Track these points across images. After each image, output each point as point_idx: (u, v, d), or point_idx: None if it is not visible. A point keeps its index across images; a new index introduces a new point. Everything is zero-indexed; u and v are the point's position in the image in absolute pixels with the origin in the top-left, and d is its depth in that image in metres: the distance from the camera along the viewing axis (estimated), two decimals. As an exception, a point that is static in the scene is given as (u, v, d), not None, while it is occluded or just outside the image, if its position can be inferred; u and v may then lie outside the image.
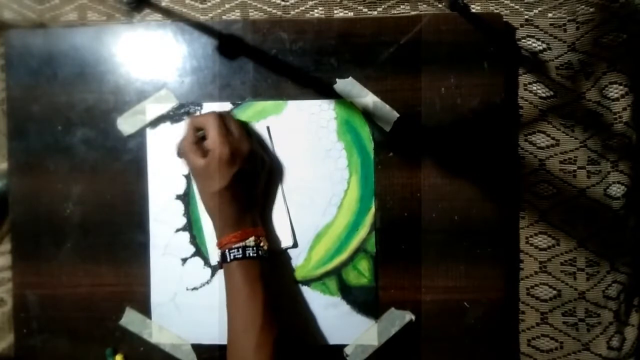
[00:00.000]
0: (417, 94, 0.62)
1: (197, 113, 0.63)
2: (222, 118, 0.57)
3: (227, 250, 0.55)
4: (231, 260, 0.55)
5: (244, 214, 0.57)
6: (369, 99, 0.62)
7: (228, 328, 0.55)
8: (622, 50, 0.61)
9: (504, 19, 0.62)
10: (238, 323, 0.54)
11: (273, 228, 0.62)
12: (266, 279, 0.55)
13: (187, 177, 0.63)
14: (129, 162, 0.64)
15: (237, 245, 0.55)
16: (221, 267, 0.57)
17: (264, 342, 0.52)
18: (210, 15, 0.66)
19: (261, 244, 0.56)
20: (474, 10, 0.63)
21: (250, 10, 0.65)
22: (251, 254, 0.55)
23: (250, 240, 0.55)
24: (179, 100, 0.63)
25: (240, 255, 0.55)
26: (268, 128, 0.63)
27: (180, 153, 0.59)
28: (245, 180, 0.56)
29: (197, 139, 0.57)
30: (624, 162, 0.62)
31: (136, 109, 0.64)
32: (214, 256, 0.62)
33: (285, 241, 0.62)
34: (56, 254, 0.64)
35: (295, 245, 0.62)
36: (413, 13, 0.64)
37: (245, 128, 0.61)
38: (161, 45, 0.64)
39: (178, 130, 0.63)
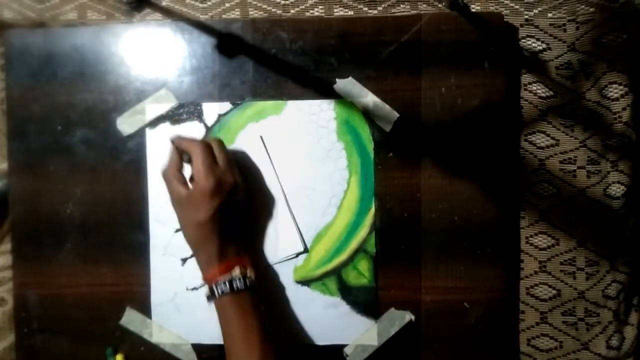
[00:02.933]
0: (417, 94, 0.62)
1: (197, 112, 0.63)
2: (209, 147, 0.56)
3: (214, 285, 0.54)
4: (220, 295, 0.54)
5: (227, 246, 0.55)
6: (369, 99, 0.62)
7: None
8: (622, 50, 0.61)
9: (504, 19, 0.62)
10: (236, 356, 0.53)
11: (277, 238, 0.62)
12: (258, 308, 0.54)
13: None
14: (129, 162, 0.64)
15: (223, 279, 0.54)
16: (209, 301, 0.56)
17: None
18: (210, 14, 0.66)
19: (248, 274, 0.55)
20: (474, 10, 0.63)
21: (250, 9, 0.65)
22: (239, 286, 0.54)
23: (236, 272, 0.54)
24: (179, 100, 0.63)
25: (228, 289, 0.53)
26: (262, 137, 0.62)
27: (165, 178, 0.57)
28: (229, 212, 0.55)
29: (181, 166, 0.57)
30: (624, 162, 0.62)
31: (136, 109, 0.64)
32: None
33: (296, 247, 0.62)
34: (56, 253, 0.64)
35: (306, 250, 0.62)
36: (413, 12, 0.64)
37: (232, 157, 0.60)
38: (161, 44, 0.64)
39: (178, 130, 0.63)
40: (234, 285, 0.53)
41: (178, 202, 0.56)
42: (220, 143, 0.58)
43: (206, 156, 0.55)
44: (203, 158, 0.54)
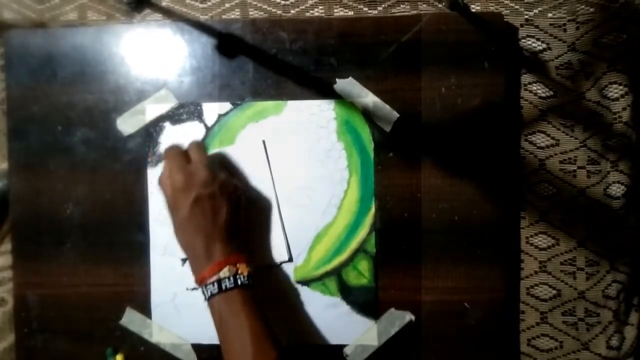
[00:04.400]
0: (417, 94, 0.62)
1: (197, 113, 0.63)
2: (178, 150, 0.57)
3: (204, 287, 0.53)
4: (209, 297, 0.53)
5: (213, 245, 0.54)
6: (369, 99, 0.62)
7: None
8: (622, 50, 0.61)
9: (504, 19, 0.62)
10: (230, 357, 0.52)
11: (268, 242, 0.62)
12: (252, 306, 0.53)
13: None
14: (129, 162, 0.64)
15: (212, 280, 0.53)
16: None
17: None
18: (210, 14, 0.66)
19: (239, 272, 0.53)
20: (474, 10, 0.63)
21: (250, 10, 0.65)
22: (228, 286, 0.52)
23: (225, 271, 0.53)
24: (179, 100, 0.63)
25: (217, 290, 0.52)
26: (264, 142, 0.63)
27: (160, 186, 0.58)
28: (208, 207, 0.54)
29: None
30: (624, 162, 0.62)
31: (136, 109, 0.64)
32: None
33: (281, 256, 0.62)
34: (56, 254, 0.64)
35: (290, 259, 0.62)
36: (413, 12, 0.64)
37: (219, 158, 0.61)
38: (161, 45, 0.64)
39: (178, 130, 0.63)
40: (223, 286, 0.52)
41: (167, 208, 0.57)
42: (195, 145, 0.59)
43: (173, 159, 0.56)
44: (169, 161, 0.57)
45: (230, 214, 0.56)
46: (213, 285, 0.53)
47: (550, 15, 0.62)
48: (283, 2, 0.65)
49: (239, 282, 0.53)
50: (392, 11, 0.64)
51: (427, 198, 0.61)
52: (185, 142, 0.60)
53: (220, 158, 0.63)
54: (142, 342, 0.64)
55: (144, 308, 0.64)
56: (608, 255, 0.63)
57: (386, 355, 0.62)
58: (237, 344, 0.52)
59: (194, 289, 0.63)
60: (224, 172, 0.58)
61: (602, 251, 0.63)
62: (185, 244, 0.56)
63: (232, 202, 0.56)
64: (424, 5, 0.64)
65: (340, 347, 0.62)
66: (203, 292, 0.54)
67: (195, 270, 0.55)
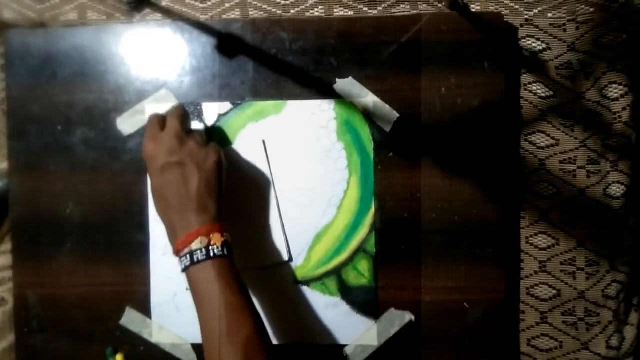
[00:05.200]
0: (417, 94, 0.62)
1: (197, 112, 0.63)
2: (154, 118, 0.57)
3: (179, 260, 0.52)
4: (183, 270, 0.52)
5: (185, 215, 0.53)
6: (369, 99, 0.62)
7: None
8: (622, 50, 0.61)
9: (504, 19, 0.62)
10: (203, 332, 0.51)
11: (268, 242, 0.62)
12: (227, 278, 0.51)
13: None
14: (129, 162, 0.64)
15: (184, 252, 0.51)
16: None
17: (229, 350, 0.49)
18: (210, 14, 0.66)
19: (211, 243, 0.52)
20: (474, 10, 0.63)
21: (250, 10, 0.65)
22: (200, 258, 0.51)
23: (197, 243, 0.51)
24: (179, 100, 0.63)
25: (189, 262, 0.51)
26: (264, 142, 0.63)
27: None
28: (177, 175, 0.53)
29: None
30: (624, 162, 0.62)
31: (136, 109, 0.64)
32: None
33: (281, 256, 0.62)
34: (56, 253, 0.64)
35: (290, 259, 0.62)
36: (413, 12, 0.64)
37: (207, 131, 0.60)
38: (161, 45, 0.64)
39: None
40: (195, 258, 0.51)
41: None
42: (172, 112, 0.57)
43: (148, 127, 0.56)
44: (146, 129, 0.56)
45: (202, 183, 0.53)
46: (186, 257, 0.51)
47: (550, 15, 0.62)
48: (283, 2, 0.65)
49: (212, 253, 0.51)
50: (392, 11, 0.64)
51: (427, 198, 0.61)
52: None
53: (203, 131, 0.61)
54: (142, 342, 0.64)
55: (144, 308, 0.64)
56: (608, 255, 0.63)
57: (386, 355, 0.62)
58: (211, 318, 0.50)
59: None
60: (197, 140, 0.56)
61: (602, 251, 0.63)
62: (160, 215, 0.55)
63: (204, 170, 0.54)
64: (424, 5, 0.64)
65: (340, 347, 0.62)
66: (179, 264, 0.53)
67: (171, 241, 0.54)
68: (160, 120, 0.56)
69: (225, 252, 0.52)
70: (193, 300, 0.52)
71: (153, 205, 0.63)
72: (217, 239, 0.52)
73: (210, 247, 0.51)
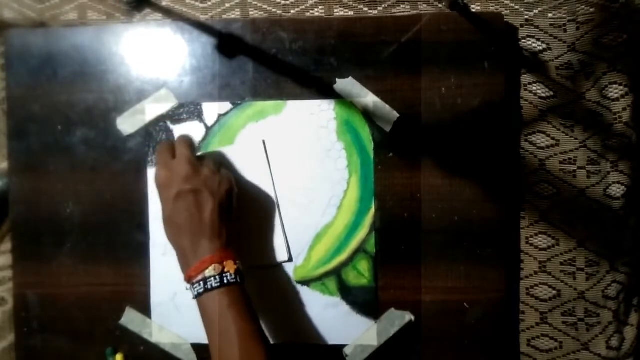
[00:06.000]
0: (417, 94, 0.62)
1: (197, 112, 0.63)
2: (164, 146, 0.57)
3: (191, 286, 0.52)
4: (196, 296, 0.52)
5: (198, 242, 0.53)
6: (369, 99, 0.62)
7: None
8: (622, 50, 0.61)
9: (504, 19, 0.62)
10: (214, 359, 0.51)
11: (268, 242, 0.62)
12: (240, 306, 0.52)
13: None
14: (129, 162, 0.64)
15: (198, 279, 0.52)
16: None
17: None
18: (210, 14, 0.66)
19: (225, 270, 0.52)
20: (474, 10, 0.63)
21: (250, 10, 0.65)
22: (214, 285, 0.51)
23: (211, 270, 0.51)
24: (179, 100, 0.63)
25: (203, 289, 0.51)
26: (264, 142, 0.63)
27: None
28: (191, 203, 0.53)
29: None
30: (624, 162, 0.62)
31: (136, 109, 0.64)
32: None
33: (281, 256, 0.62)
34: (56, 253, 0.64)
35: (290, 259, 0.62)
36: (413, 12, 0.64)
37: (213, 155, 0.60)
38: (161, 44, 0.64)
39: (178, 130, 0.63)
40: (209, 285, 0.51)
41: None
42: (181, 140, 0.58)
43: (160, 155, 0.57)
44: (157, 158, 0.57)
45: (216, 210, 0.54)
46: (199, 284, 0.52)
47: (550, 15, 0.62)
48: (283, 2, 0.65)
49: (226, 280, 0.52)
50: (392, 11, 0.64)
51: (427, 198, 0.61)
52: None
53: (214, 155, 0.62)
54: (142, 342, 0.64)
55: (144, 308, 0.64)
56: (608, 255, 0.63)
57: (386, 355, 0.62)
58: (224, 345, 0.51)
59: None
60: (210, 167, 0.56)
61: (602, 251, 0.63)
62: (172, 241, 0.55)
63: (218, 197, 0.54)
64: (424, 5, 0.64)
65: (340, 347, 0.62)
66: (191, 291, 0.53)
67: (182, 268, 0.54)
68: (170, 148, 0.57)
69: (238, 280, 0.53)
70: (204, 326, 0.52)
71: (152, 203, 0.63)
72: (230, 266, 0.53)
73: (224, 275, 0.52)
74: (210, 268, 0.52)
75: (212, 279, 0.51)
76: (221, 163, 0.61)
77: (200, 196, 0.54)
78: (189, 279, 0.53)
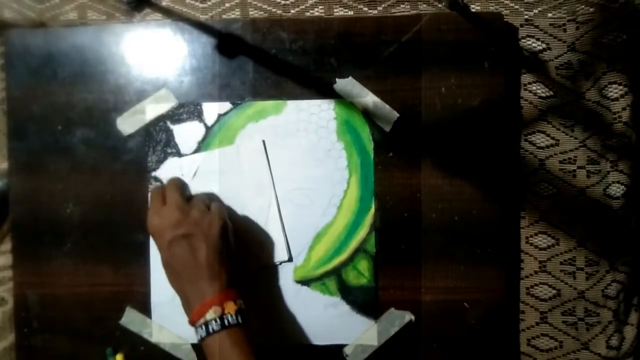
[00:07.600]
0: (417, 94, 0.62)
1: (197, 112, 0.63)
2: (157, 193, 0.58)
3: (195, 330, 0.52)
4: (199, 340, 0.52)
5: (197, 285, 0.53)
6: (369, 99, 0.62)
7: None
8: (622, 50, 0.61)
9: (504, 19, 0.62)
10: None
11: (268, 242, 0.62)
12: (242, 347, 0.51)
13: (187, 177, 0.64)
14: (129, 162, 0.64)
15: (199, 323, 0.52)
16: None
17: None
18: (210, 14, 0.66)
19: (225, 312, 0.52)
20: (474, 10, 0.63)
21: (250, 9, 0.65)
22: (215, 328, 0.51)
23: (211, 313, 0.51)
24: (179, 100, 0.63)
25: (205, 333, 0.51)
26: (263, 142, 0.63)
27: None
28: (185, 248, 0.53)
29: None
30: (624, 162, 0.62)
31: (136, 109, 0.64)
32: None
33: (280, 255, 0.62)
34: (56, 253, 0.64)
35: (290, 259, 0.62)
36: (413, 12, 0.64)
37: (201, 196, 0.60)
38: (161, 44, 0.64)
39: (178, 130, 0.63)
40: (210, 328, 0.51)
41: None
42: (170, 184, 0.59)
43: (152, 202, 0.57)
44: (150, 204, 0.58)
45: (210, 251, 0.54)
46: (202, 327, 0.52)
47: (550, 15, 0.62)
48: (283, 2, 0.65)
49: (226, 322, 0.51)
50: (392, 11, 0.64)
51: (427, 198, 0.61)
52: (184, 144, 0.61)
53: (202, 195, 0.61)
54: (142, 342, 0.64)
55: (144, 308, 0.64)
56: (608, 255, 0.63)
57: (386, 355, 0.62)
58: None
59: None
60: (199, 208, 0.56)
61: (602, 251, 0.63)
62: (173, 287, 0.55)
63: (211, 238, 0.54)
64: (424, 5, 0.64)
65: (340, 347, 0.62)
66: (195, 334, 0.53)
67: (186, 312, 0.54)
68: (160, 194, 0.57)
69: (240, 320, 0.52)
70: None
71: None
72: (230, 308, 0.52)
73: (224, 317, 0.52)
74: (211, 311, 0.52)
75: (213, 322, 0.51)
76: (211, 198, 0.61)
77: (193, 240, 0.54)
78: (192, 323, 0.53)
